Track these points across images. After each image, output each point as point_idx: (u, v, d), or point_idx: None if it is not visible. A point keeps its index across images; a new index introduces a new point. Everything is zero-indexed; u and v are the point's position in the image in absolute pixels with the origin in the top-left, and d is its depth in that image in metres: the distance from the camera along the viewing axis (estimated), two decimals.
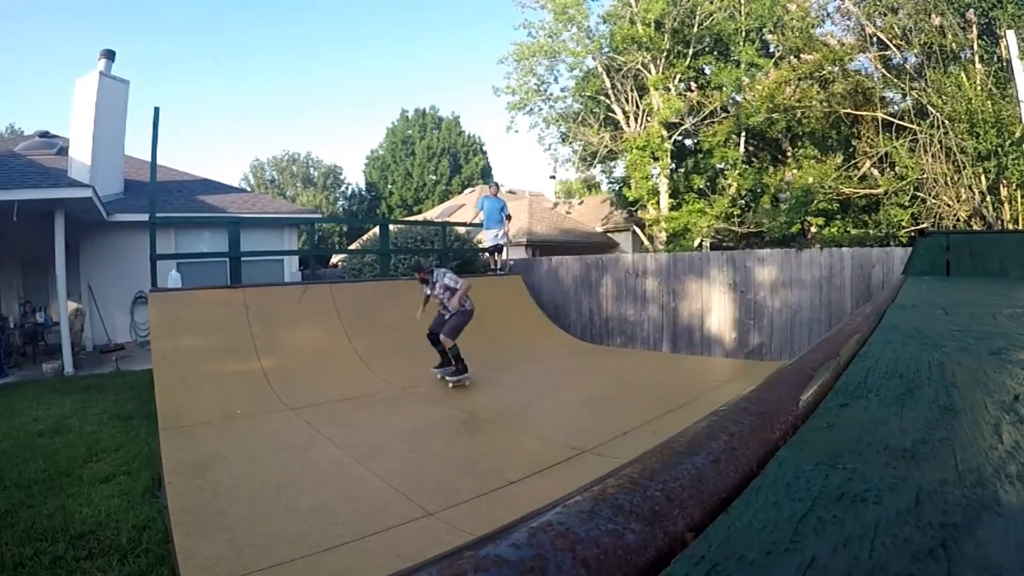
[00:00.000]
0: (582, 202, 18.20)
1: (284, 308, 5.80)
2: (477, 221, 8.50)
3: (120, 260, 9.87)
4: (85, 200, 7.38)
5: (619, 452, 3.19)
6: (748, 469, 0.48)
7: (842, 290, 5.60)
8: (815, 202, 10.15)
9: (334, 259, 18.57)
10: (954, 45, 8.48)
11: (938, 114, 8.46)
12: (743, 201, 13.08)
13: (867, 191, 9.80)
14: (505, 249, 8.77)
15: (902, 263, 4.35)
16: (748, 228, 12.33)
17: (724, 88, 12.10)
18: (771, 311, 6.04)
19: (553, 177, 20.47)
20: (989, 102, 7.86)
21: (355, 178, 41.27)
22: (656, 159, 12.71)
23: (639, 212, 13.97)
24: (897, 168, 9.24)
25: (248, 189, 26.66)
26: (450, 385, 5.03)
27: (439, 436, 3.70)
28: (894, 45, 9.27)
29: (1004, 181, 7.91)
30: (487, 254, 8.82)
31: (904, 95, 9.60)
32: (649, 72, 12.81)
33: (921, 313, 1.70)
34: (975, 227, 8.18)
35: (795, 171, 10.82)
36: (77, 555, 2.46)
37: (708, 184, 13.32)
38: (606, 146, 13.76)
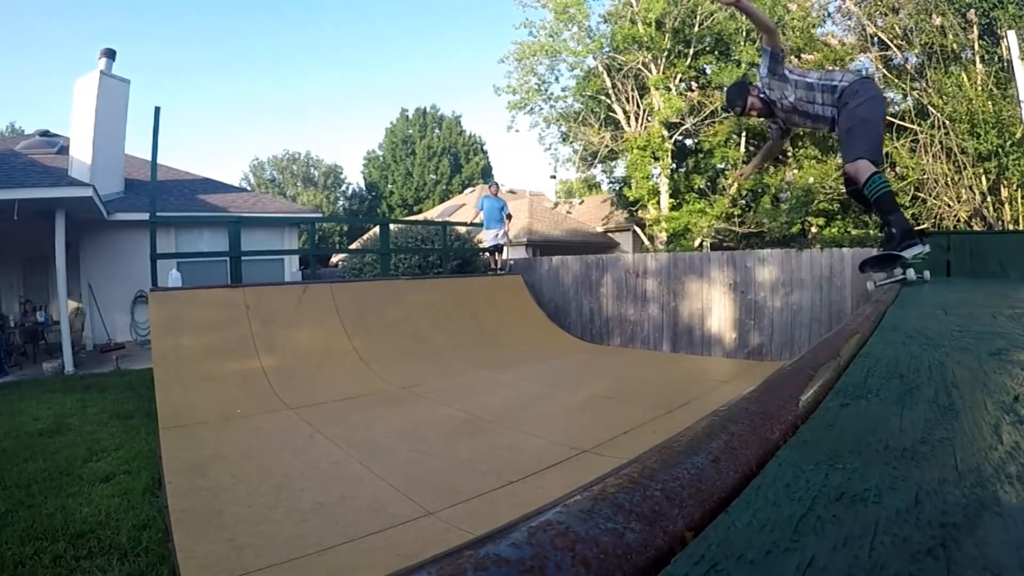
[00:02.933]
0: (582, 202, 18.20)
1: (284, 308, 5.80)
2: (477, 221, 8.51)
3: (120, 259, 9.88)
4: (85, 199, 7.39)
5: (619, 452, 3.19)
6: (748, 469, 0.48)
7: (842, 290, 5.60)
8: (816, 202, 10.15)
9: (334, 259, 18.58)
10: (955, 45, 8.47)
11: (939, 114, 8.45)
12: (743, 201, 13.09)
13: None
14: (505, 249, 8.78)
15: None
16: (748, 228, 12.34)
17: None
18: (771, 311, 6.04)
19: (553, 177, 20.52)
20: (990, 102, 7.86)
21: (355, 178, 41.25)
22: (656, 159, 12.71)
23: (639, 212, 13.97)
24: (897, 168, 9.23)
25: (248, 188, 26.66)
26: (908, 258, 2.71)
27: (439, 436, 3.69)
28: (895, 45, 9.27)
29: (1005, 182, 7.90)
30: (487, 254, 8.83)
31: (905, 95, 9.59)
32: (650, 72, 12.81)
33: (921, 313, 1.70)
34: (975, 228, 8.18)
35: (796, 171, 10.81)
36: (77, 554, 2.46)
37: (708, 184, 13.33)
38: (606, 146, 13.75)
